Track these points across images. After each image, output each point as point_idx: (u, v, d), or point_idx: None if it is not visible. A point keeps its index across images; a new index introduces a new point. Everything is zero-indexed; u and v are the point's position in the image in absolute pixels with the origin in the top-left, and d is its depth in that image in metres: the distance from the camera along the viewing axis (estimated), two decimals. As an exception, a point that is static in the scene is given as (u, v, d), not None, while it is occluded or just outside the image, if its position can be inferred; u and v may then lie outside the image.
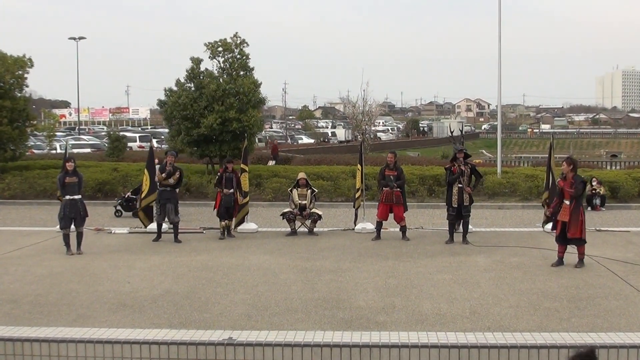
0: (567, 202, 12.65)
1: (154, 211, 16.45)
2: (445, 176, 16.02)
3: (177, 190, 16.52)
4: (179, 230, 15.93)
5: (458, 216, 15.25)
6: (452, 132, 18.80)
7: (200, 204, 21.77)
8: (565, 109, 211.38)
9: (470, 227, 15.74)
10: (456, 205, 15.09)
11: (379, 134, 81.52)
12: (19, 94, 27.32)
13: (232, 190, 16.16)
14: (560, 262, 12.75)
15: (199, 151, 25.41)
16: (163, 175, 15.75)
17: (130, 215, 20.01)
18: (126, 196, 20.65)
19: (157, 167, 16.39)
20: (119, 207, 20.61)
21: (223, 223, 16.22)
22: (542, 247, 14.64)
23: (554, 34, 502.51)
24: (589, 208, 21.06)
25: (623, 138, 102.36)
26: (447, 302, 10.17)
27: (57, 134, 49.07)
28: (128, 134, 51.18)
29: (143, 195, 16.55)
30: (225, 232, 16.24)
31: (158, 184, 16.01)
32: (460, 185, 15.04)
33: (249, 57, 26.49)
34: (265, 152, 40.01)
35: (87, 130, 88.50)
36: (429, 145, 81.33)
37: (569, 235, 12.59)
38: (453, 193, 15.15)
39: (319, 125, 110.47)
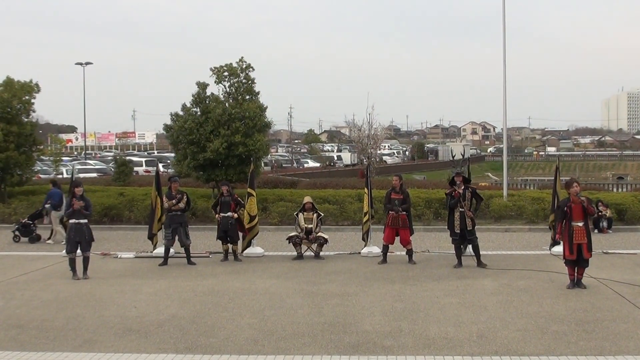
0: (580, 224, 12.62)
1: (163, 236, 16.47)
2: (445, 201, 16.02)
3: (186, 213, 16.59)
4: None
5: (463, 240, 15.23)
6: (453, 156, 18.82)
7: (207, 228, 21.76)
8: (571, 132, 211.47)
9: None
10: (458, 230, 15.07)
11: (384, 158, 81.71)
12: (26, 119, 27.43)
13: (228, 214, 16.25)
14: (573, 284, 12.70)
15: (205, 175, 25.42)
16: (173, 202, 15.89)
17: (27, 241, 20.11)
18: (23, 222, 20.55)
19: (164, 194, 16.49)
20: (17, 232, 20.45)
21: (224, 246, 16.30)
22: (550, 270, 14.60)
23: (559, 58, 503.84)
24: (596, 231, 20.97)
25: (629, 160, 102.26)
26: (454, 326, 10.13)
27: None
28: (134, 159, 51.32)
29: (157, 218, 16.84)
30: (228, 255, 16.29)
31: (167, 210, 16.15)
32: (461, 210, 15.01)
33: (255, 81, 26.62)
34: (271, 176, 40.05)
35: (93, 154, 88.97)
36: (435, 168, 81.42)
37: (586, 256, 12.57)
38: (455, 218, 15.14)
39: (324, 149, 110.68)
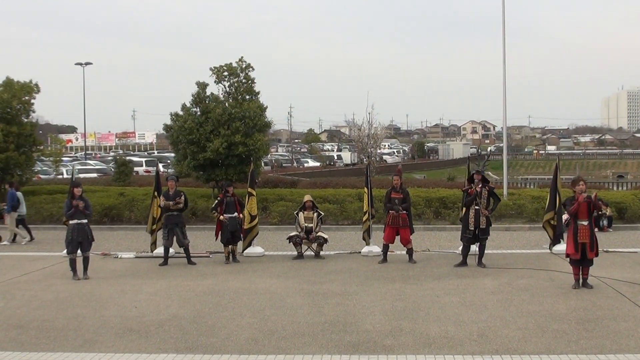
0: (585, 223, 12.58)
1: (162, 236, 16.46)
2: (462, 197, 15.98)
3: (183, 213, 16.51)
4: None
5: (474, 239, 15.17)
6: (479, 153, 18.79)
7: (207, 228, 21.78)
8: (571, 130, 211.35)
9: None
10: (473, 228, 15.02)
11: (384, 157, 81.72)
12: (26, 120, 27.45)
13: (234, 215, 16.20)
14: (578, 284, 12.64)
15: (205, 175, 25.44)
16: (170, 203, 15.83)
17: None
18: None
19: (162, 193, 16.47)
20: None
21: (228, 248, 16.24)
22: (550, 268, 14.60)
23: (559, 57, 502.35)
24: (596, 229, 20.94)
25: (629, 159, 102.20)
26: (454, 324, 10.13)
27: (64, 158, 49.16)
28: (134, 159, 51.29)
29: (156, 219, 16.84)
30: (231, 257, 16.25)
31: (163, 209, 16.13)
32: (477, 208, 14.98)
33: (255, 81, 26.62)
34: (271, 176, 40.04)
35: (93, 154, 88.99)
36: (435, 167, 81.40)
37: (590, 256, 12.52)
38: (470, 215, 15.09)
39: (324, 148, 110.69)
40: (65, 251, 14.75)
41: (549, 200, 17.42)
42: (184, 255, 16.01)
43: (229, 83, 26.44)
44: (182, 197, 16.01)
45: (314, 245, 16.70)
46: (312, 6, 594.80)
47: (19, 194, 20.82)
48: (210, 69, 26.32)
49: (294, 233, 16.84)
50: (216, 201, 16.78)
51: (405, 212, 15.80)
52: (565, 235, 15.69)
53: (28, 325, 10.43)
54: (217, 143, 24.22)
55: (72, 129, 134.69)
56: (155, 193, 16.96)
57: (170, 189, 16.10)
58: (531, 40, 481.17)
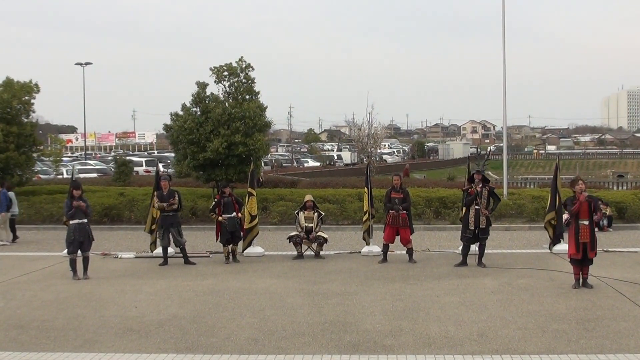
0: (586, 223, 12.58)
1: (157, 236, 16.47)
2: (462, 197, 15.97)
3: (179, 213, 16.45)
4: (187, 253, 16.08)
5: (475, 238, 15.16)
6: (479, 152, 18.81)
7: (207, 228, 21.77)
8: (571, 130, 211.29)
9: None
10: (473, 228, 15.01)
11: (384, 157, 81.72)
12: (26, 120, 27.45)
13: (233, 215, 16.17)
14: (578, 284, 12.64)
15: (205, 175, 25.43)
16: (164, 205, 15.79)
17: None
18: None
19: (156, 194, 16.42)
20: None
21: (227, 248, 16.22)
22: (550, 268, 14.60)
23: (559, 56, 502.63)
24: (596, 229, 20.93)
25: (629, 158, 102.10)
26: (454, 324, 10.13)
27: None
28: (134, 159, 51.25)
29: (155, 219, 16.80)
30: (230, 257, 16.24)
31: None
32: (477, 207, 14.98)
33: (255, 81, 26.60)
34: (271, 176, 40.05)
35: (93, 154, 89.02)
36: (435, 167, 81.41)
37: (590, 256, 12.56)
38: (470, 215, 15.09)
39: (324, 148, 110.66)
40: (65, 251, 14.76)
41: (550, 201, 17.41)
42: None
43: (229, 83, 26.41)
44: (176, 198, 15.96)
45: (314, 245, 16.70)
46: (312, 6, 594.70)
47: (12, 194, 20.80)
48: (210, 69, 26.31)
49: (294, 233, 16.83)
50: (214, 203, 16.73)
51: (405, 212, 15.80)
52: (565, 235, 15.72)
53: (28, 325, 10.43)
54: (217, 143, 24.21)
55: (72, 129, 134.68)
56: (155, 193, 16.95)
57: (164, 189, 16.08)
58: (531, 40, 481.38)
